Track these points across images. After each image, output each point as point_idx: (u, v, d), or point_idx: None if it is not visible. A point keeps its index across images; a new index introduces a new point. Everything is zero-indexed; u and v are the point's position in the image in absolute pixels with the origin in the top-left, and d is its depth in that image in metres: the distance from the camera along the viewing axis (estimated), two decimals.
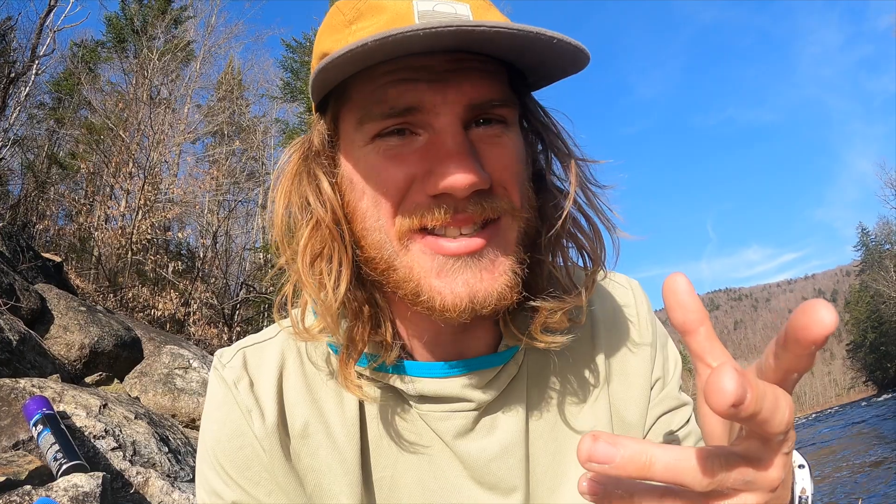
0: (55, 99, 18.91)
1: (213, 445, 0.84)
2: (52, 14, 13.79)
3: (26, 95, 13.99)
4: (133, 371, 5.39)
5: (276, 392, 0.83)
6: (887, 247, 65.86)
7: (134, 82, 17.31)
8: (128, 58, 19.54)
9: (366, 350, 0.79)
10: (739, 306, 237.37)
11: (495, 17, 0.72)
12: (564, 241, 0.81)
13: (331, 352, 0.84)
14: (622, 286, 0.99)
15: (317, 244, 0.76)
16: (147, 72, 16.68)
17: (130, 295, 12.10)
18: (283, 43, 24.89)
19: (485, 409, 0.84)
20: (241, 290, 17.72)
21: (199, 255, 18.38)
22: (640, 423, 0.92)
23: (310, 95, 0.77)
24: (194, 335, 12.61)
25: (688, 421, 0.96)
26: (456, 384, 0.82)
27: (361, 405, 0.85)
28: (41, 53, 13.77)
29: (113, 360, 5.56)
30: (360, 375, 0.83)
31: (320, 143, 0.78)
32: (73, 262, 12.15)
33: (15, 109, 13.01)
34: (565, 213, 0.78)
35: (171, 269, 15.26)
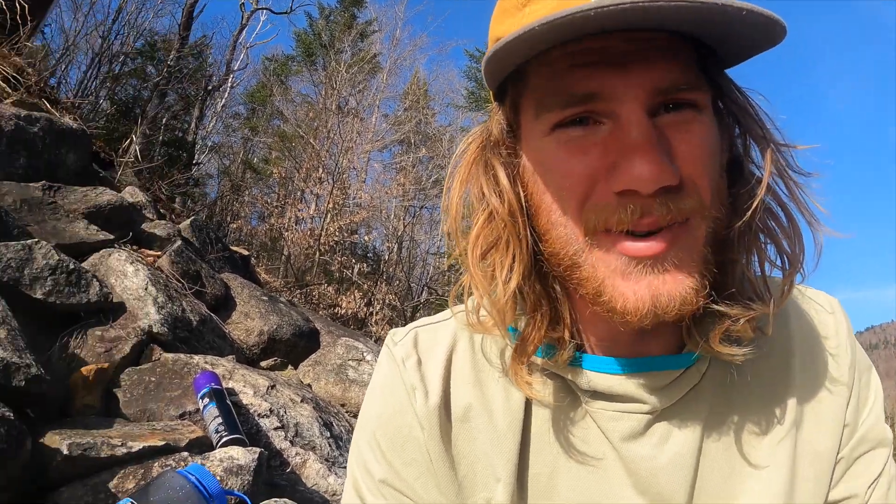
0: (249, 109, 20.52)
1: (372, 421, 0.85)
2: (244, 32, 15.18)
3: (222, 106, 15.54)
4: (307, 359, 5.56)
5: (443, 372, 0.83)
6: None
7: (323, 93, 18.36)
8: (317, 70, 20.80)
9: (542, 343, 0.76)
10: None
11: None
12: (761, 237, 0.75)
13: (507, 344, 0.81)
14: (822, 306, 0.90)
15: (490, 236, 0.75)
16: (335, 83, 17.63)
17: (316, 293, 12.78)
18: (466, 53, 25.51)
19: (659, 415, 0.79)
20: (422, 292, 18.19)
21: (384, 258, 19.10)
22: (832, 456, 0.83)
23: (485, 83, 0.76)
24: (375, 334, 13.06)
25: (886, 463, 0.86)
26: (632, 383, 0.78)
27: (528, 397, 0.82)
28: (235, 68, 15.28)
29: (290, 349, 5.77)
30: (532, 367, 0.79)
31: (499, 132, 0.76)
32: (264, 260, 13.08)
33: (212, 119, 14.51)
34: (756, 202, 0.71)
35: (356, 270, 15.96)
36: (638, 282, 0.67)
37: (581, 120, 0.67)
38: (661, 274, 0.67)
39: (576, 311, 0.79)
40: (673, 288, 0.67)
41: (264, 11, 15.95)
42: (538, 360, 0.79)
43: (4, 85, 3.94)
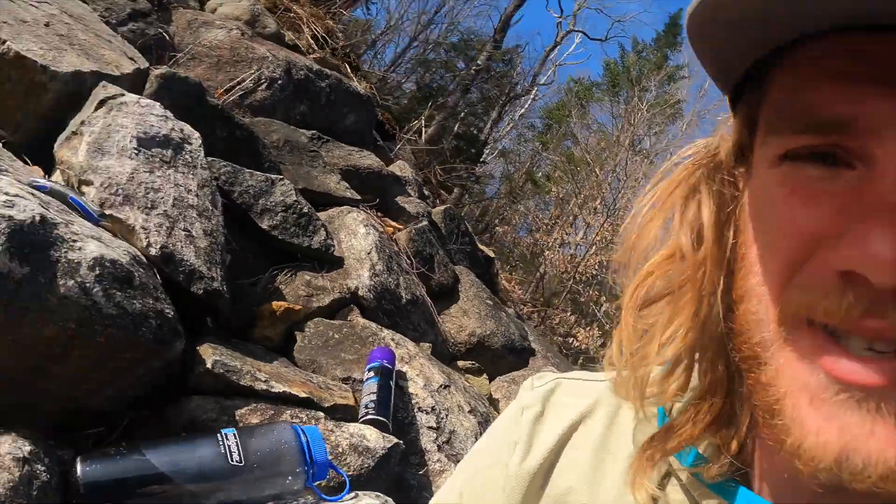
0: (545, 124, 21.32)
1: (470, 457, 0.80)
2: (556, 49, 15.76)
3: (520, 115, 16.29)
4: (506, 375, 5.41)
5: (559, 436, 0.70)
6: None
7: (619, 127, 18.36)
8: (618, 103, 20.91)
9: (692, 444, 0.58)
10: None
11: None
12: None
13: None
14: None
15: (665, 279, 0.58)
16: (633, 120, 17.45)
17: (557, 318, 12.67)
18: None
19: None
20: None
21: None
22: None
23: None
24: None
25: None
26: None
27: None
28: (541, 82, 15.99)
29: (496, 359, 5.66)
30: (667, 472, 0.61)
31: (725, 152, 0.57)
32: (519, 272, 13.30)
33: (508, 125, 15.25)
34: None
35: (603, 308, 15.56)
36: (830, 418, 0.45)
37: (826, 156, 0.45)
38: (871, 418, 0.43)
39: (756, 419, 0.58)
40: (879, 447, 0.43)
41: (579, 34, 16.43)
42: (677, 466, 0.60)
43: (312, 42, 4.35)
